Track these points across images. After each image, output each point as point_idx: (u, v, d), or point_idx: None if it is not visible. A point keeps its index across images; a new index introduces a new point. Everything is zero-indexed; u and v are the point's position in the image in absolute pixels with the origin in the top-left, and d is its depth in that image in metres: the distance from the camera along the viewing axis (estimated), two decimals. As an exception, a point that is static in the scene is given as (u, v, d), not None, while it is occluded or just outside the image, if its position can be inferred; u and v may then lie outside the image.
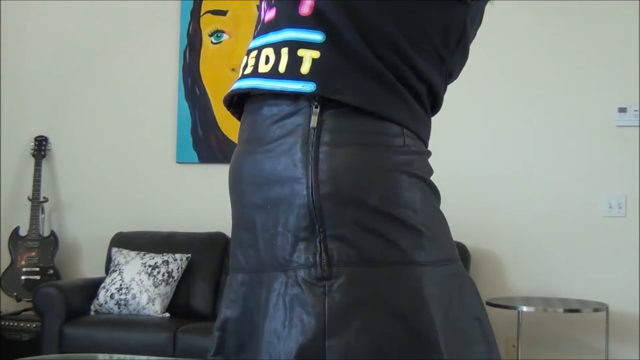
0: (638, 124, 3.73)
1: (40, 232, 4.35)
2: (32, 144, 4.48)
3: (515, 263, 3.86)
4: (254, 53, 1.06)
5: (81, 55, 4.56)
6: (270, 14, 1.06)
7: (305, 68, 1.00)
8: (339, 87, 0.99)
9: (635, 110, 3.73)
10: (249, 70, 1.06)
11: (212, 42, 4.32)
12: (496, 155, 3.92)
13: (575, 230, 3.79)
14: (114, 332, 3.54)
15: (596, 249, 3.76)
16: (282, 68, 1.01)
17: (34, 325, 3.88)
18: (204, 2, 4.34)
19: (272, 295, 0.99)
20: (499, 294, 3.80)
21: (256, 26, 1.10)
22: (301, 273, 0.96)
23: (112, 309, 3.75)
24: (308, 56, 1.00)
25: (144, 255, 3.91)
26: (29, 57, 4.64)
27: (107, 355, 3.35)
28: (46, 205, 4.42)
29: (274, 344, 0.97)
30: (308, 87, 0.99)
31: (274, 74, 1.02)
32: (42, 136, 4.50)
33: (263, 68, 1.03)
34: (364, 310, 0.94)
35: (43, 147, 4.47)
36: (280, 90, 1.01)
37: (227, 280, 1.13)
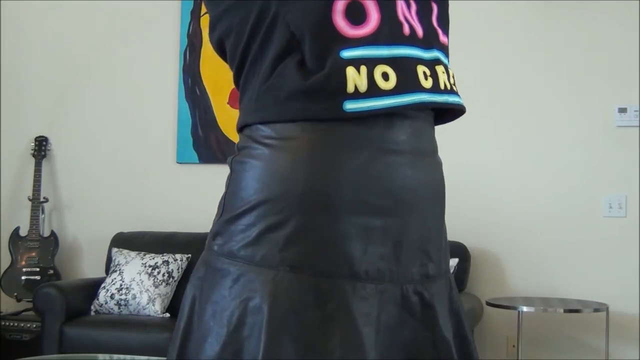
0: (638, 124, 3.73)
1: (41, 232, 4.35)
2: (32, 144, 4.48)
3: (515, 263, 3.86)
4: (424, 67, 1.06)
5: (81, 56, 4.56)
6: (411, 28, 1.06)
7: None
8: None
9: (635, 111, 3.73)
10: (446, 86, 1.09)
11: (212, 42, 4.32)
12: (496, 155, 3.92)
13: (575, 230, 3.79)
14: (114, 332, 3.54)
15: (596, 249, 3.76)
16: (455, 87, 1.13)
17: (34, 326, 3.88)
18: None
19: (443, 300, 1.11)
20: (499, 294, 3.80)
21: (392, 30, 1.05)
22: (450, 276, 1.14)
23: (112, 309, 3.75)
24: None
25: (144, 255, 3.91)
26: (29, 57, 4.64)
27: (107, 356, 3.35)
28: (46, 206, 4.42)
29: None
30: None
31: (449, 90, 1.10)
32: (42, 136, 4.50)
33: (446, 85, 1.10)
34: None
35: (43, 147, 4.47)
36: (460, 109, 1.13)
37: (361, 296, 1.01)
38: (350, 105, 0.99)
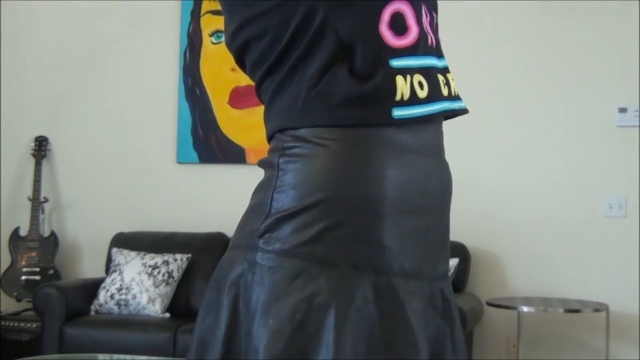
0: (638, 124, 3.73)
1: (41, 232, 4.35)
2: (32, 144, 4.48)
3: (515, 263, 3.86)
4: (441, 75, 1.13)
5: (81, 56, 4.55)
6: (431, 39, 1.14)
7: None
8: None
9: (636, 111, 3.74)
10: (455, 92, 1.17)
11: (212, 42, 4.32)
12: (496, 155, 3.92)
13: (575, 230, 3.79)
14: (114, 332, 3.54)
15: (596, 249, 3.76)
16: (459, 93, 1.19)
17: (34, 326, 3.88)
18: (204, 2, 4.34)
19: (453, 295, 1.18)
20: (499, 294, 3.80)
21: (418, 43, 1.10)
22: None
23: (112, 309, 3.75)
24: None
25: (144, 255, 3.91)
26: (29, 57, 4.64)
27: (107, 355, 3.35)
28: (46, 206, 4.42)
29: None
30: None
31: (458, 96, 1.17)
32: (42, 136, 4.50)
33: (455, 92, 1.17)
34: None
35: (43, 147, 4.47)
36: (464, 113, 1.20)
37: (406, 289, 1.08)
38: (397, 112, 1.06)
